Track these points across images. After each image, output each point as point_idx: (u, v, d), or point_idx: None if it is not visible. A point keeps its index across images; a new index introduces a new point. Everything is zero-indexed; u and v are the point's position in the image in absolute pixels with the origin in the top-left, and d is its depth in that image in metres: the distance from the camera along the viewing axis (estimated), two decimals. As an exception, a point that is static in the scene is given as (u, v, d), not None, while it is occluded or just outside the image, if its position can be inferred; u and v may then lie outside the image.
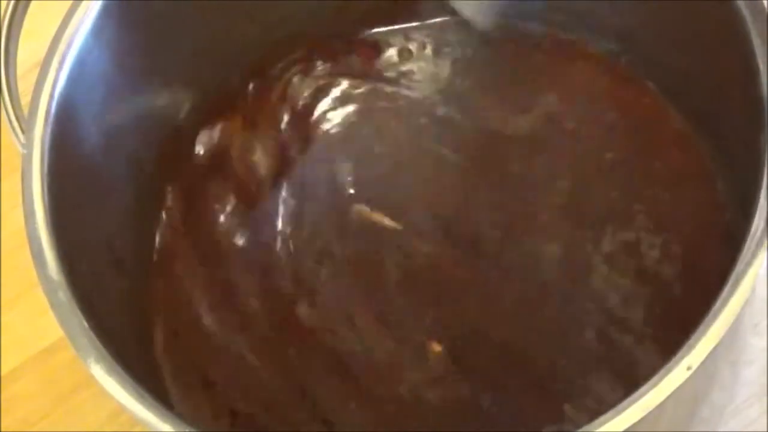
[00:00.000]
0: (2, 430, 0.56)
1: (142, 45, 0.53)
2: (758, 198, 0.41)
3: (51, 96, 0.48)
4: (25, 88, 0.50)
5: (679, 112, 0.55)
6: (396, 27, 0.60)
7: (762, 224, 0.40)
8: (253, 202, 0.57)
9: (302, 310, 0.54)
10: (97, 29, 0.50)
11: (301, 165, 0.58)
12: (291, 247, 0.55)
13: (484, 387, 0.50)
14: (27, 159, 0.47)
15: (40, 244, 0.45)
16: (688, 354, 0.37)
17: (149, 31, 0.53)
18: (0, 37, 0.50)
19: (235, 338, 0.53)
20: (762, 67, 0.44)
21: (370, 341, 0.52)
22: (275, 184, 0.57)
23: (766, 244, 0.40)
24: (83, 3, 0.50)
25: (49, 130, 0.48)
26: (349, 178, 0.57)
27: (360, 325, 0.53)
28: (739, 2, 0.45)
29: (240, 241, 0.56)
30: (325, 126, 0.59)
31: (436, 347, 0.51)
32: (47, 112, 0.48)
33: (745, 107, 0.45)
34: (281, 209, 0.56)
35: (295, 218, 0.56)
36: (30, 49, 0.51)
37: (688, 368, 0.37)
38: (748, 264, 0.39)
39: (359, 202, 0.56)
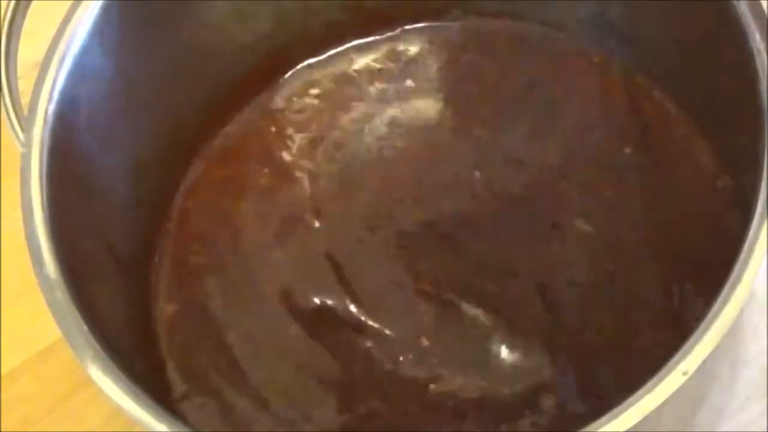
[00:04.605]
0: (2, 430, 0.56)
1: (143, 45, 0.53)
2: (757, 200, 0.41)
3: (51, 95, 0.48)
4: (25, 87, 0.50)
5: (682, 114, 0.55)
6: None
7: (761, 227, 0.40)
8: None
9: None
10: (97, 29, 0.50)
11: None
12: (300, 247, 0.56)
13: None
14: (26, 158, 0.47)
15: (38, 243, 0.45)
16: (684, 359, 0.37)
17: (149, 31, 0.54)
18: (0, 37, 0.50)
19: (243, 335, 0.53)
20: (761, 71, 0.44)
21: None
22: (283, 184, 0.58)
23: (765, 248, 0.40)
24: (83, 3, 0.50)
25: (48, 129, 0.48)
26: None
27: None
28: (738, 3, 0.45)
29: (247, 238, 0.56)
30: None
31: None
32: (47, 111, 0.48)
33: (745, 110, 0.45)
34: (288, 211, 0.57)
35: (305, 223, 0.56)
36: (30, 48, 0.51)
37: (684, 373, 0.37)
38: (746, 268, 0.39)
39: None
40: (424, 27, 0.61)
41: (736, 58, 0.46)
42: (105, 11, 0.50)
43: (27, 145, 0.47)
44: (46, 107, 0.48)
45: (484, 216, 0.55)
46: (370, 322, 0.52)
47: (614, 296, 0.51)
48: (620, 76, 0.57)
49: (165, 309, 0.55)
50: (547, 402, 0.49)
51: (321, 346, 0.52)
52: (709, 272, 0.44)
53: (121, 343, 0.47)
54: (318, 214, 0.56)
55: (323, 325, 0.53)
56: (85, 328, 0.43)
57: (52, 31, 0.50)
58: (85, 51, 0.50)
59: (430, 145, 0.58)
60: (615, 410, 0.37)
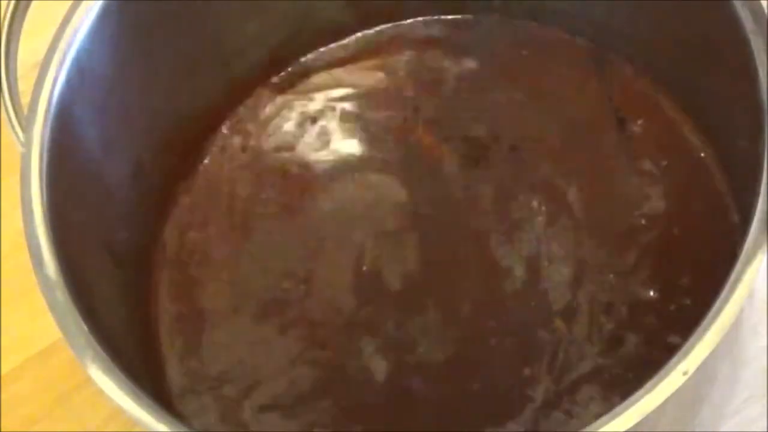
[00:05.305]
0: (2, 430, 0.56)
1: (142, 45, 0.53)
2: (757, 200, 0.41)
3: (51, 95, 0.48)
4: (25, 87, 0.50)
5: (682, 114, 0.55)
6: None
7: (761, 227, 0.40)
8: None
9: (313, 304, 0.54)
10: (97, 29, 0.50)
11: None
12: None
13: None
14: (26, 158, 0.47)
15: (38, 243, 0.45)
16: (684, 359, 0.37)
17: (149, 31, 0.54)
18: (0, 37, 0.50)
19: (243, 336, 0.54)
20: (761, 70, 0.44)
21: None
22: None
23: (765, 248, 0.40)
24: (83, 3, 0.50)
25: (48, 129, 0.48)
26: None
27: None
28: (738, 3, 0.45)
29: (247, 237, 0.56)
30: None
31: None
32: (47, 111, 0.48)
33: (745, 110, 0.45)
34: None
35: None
36: (30, 48, 0.51)
37: (684, 373, 0.37)
38: (746, 268, 0.39)
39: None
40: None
41: (736, 58, 0.46)
42: (105, 11, 0.50)
43: (27, 145, 0.47)
44: (46, 107, 0.48)
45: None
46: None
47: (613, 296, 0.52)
48: (620, 76, 0.57)
49: (165, 309, 0.55)
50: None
51: (321, 346, 0.53)
52: (709, 272, 0.44)
53: (121, 343, 0.47)
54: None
55: (322, 325, 0.53)
56: (85, 328, 0.43)
57: (52, 31, 0.50)
58: (85, 51, 0.50)
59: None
60: (615, 410, 0.37)
